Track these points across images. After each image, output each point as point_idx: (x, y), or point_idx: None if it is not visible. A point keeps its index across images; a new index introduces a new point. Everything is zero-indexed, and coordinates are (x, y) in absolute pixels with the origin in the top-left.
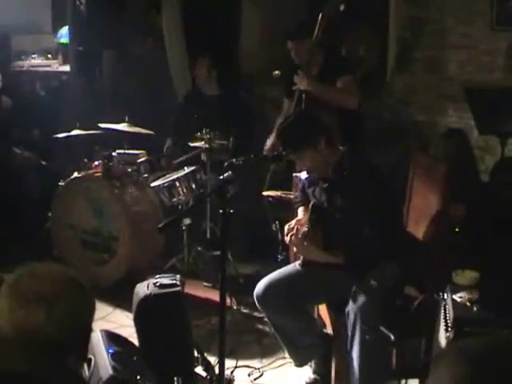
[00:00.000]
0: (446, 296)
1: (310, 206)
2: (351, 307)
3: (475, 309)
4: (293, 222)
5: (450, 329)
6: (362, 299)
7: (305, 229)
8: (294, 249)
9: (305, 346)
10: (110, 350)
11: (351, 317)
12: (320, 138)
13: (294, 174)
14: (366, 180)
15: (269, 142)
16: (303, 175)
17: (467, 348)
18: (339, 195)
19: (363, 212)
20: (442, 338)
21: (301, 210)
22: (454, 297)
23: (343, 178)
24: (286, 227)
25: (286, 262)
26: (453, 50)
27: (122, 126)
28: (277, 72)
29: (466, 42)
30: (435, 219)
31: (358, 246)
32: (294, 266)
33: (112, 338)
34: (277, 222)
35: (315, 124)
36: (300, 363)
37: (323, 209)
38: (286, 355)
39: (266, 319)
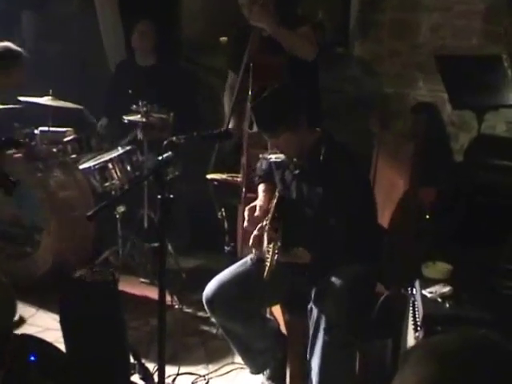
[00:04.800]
0: (414, 291)
1: (276, 199)
2: (314, 306)
3: (448, 305)
4: (257, 207)
5: (419, 328)
6: (325, 296)
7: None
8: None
9: (261, 350)
10: (32, 358)
11: (314, 316)
12: (300, 117)
13: (261, 156)
14: (343, 168)
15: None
16: (272, 157)
17: (437, 345)
18: (312, 184)
19: (336, 204)
20: (411, 338)
21: (262, 189)
22: (423, 292)
23: (318, 165)
24: (247, 211)
25: (234, 254)
26: (424, 12)
27: (46, 100)
28: (224, 38)
29: (438, 4)
30: (402, 205)
31: (326, 244)
32: (246, 262)
33: (34, 343)
34: (223, 209)
35: (295, 100)
36: (257, 370)
37: (291, 202)
38: (236, 360)
39: (215, 322)
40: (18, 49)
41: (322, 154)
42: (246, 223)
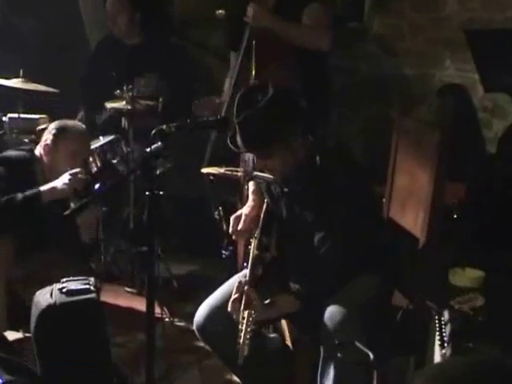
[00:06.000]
0: (440, 302)
1: (261, 219)
2: (324, 320)
3: (480, 318)
4: (242, 216)
5: (446, 345)
6: (336, 310)
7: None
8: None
9: (264, 375)
10: (0, 380)
11: (324, 331)
12: (296, 132)
13: (243, 169)
14: (341, 173)
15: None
16: (258, 174)
17: (441, 371)
18: (305, 203)
19: (332, 216)
20: (437, 356)
21: (251, 189)
22: (451, 303)
23: (310, 180)
24: (232, 221)
25: (233, 259)
26: None
27: (15, 82)
28: (221, 11)
29: None
30: (425, 203)
31: (325, 266)
32: (239, 278)
33: (3, 363)
34: (220, 208)
35: (292, 112)
36: None
37: (280, 220)
38: (234, 379)
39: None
40: (69, 124)
41: (316, 167)
42: (231, 234)
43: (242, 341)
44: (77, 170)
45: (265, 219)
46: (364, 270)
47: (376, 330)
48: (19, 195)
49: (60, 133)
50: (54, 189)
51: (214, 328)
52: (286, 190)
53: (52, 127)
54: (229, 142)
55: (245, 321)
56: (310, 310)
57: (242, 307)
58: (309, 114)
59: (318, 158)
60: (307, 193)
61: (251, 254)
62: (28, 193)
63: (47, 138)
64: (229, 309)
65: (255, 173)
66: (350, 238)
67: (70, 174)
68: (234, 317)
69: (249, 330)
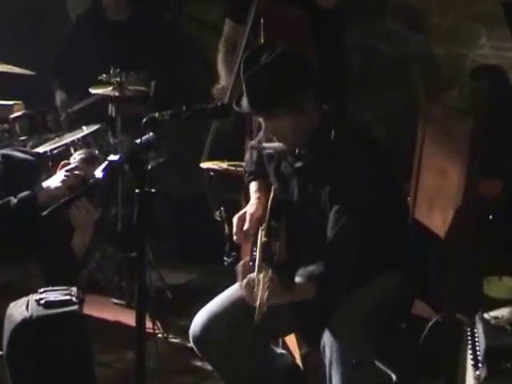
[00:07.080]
0: (474, 315)
1: (271, 201)
2: (329, 335)
3: None
4: (247, 215)
5: (480, 364)
6: (345, 323)
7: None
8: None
9: None
10: None
11: (328, 349)
12: (306, 93)
13: (251, 143)
14: (358, 154)
15: (217, 88)
16: (267, 145)
17: None
18: (318, 180)
19: (348, 200)
20: (470, 378)
21: (254, 189)
22: (486, 317)
23: (326, 154)
24: (235, 221)
25: None
26: None
27: None
28: None
29: None
30: (456, 201)
31: (337, 258)
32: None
33: None
34: (222, 208)
35: (303, 70)
36: None
37: (290, 205)
38: None
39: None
40: (98, 156)
41: (332, 140)
42: (235, 237)
43: (258, 300)
44: (73, 165)
45: (272, 207)
46: (380, 270)
47: (400, 348)
48: (13, 199)
49: (88, 159)
50: (48, 187)
51: (214, 338)
52: (297, 165)
53: (81, 152)
54: (234, 105)
55: (261, 283)
56: (321, 305)
57: (255, 271)
58: (322, 79)
59: (332, 132)
60: (321, 166)
61: (259, 242)
62: (22, 195)
63: (73, 160)
64: (238, 279)
65: (263, 144)
66: (369, 232)
67: (66, 171)
68: (246, 298)
69: (266, 287)
